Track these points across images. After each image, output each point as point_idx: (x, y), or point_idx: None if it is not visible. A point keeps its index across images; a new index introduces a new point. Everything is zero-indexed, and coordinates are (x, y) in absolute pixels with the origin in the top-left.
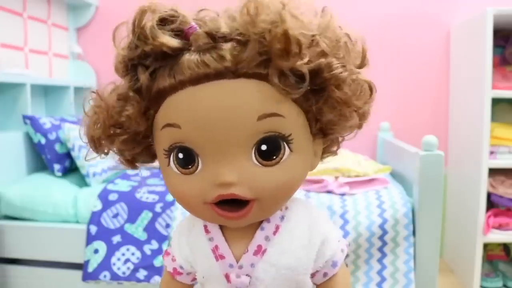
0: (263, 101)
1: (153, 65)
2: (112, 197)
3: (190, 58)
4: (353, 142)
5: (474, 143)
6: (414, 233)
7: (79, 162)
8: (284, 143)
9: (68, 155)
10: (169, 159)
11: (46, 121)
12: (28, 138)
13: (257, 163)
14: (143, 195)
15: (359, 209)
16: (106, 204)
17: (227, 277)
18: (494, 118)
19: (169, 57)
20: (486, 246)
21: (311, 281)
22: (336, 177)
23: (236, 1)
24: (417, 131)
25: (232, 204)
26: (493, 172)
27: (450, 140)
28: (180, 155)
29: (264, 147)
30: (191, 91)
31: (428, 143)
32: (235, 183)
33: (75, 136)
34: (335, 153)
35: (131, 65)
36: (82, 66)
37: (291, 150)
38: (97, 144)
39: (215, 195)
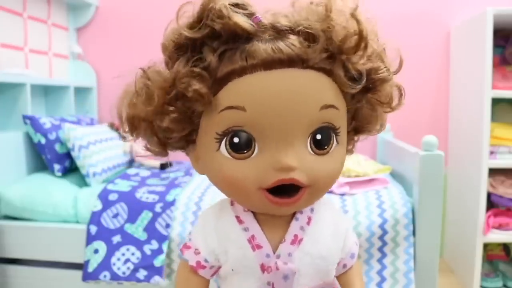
0: (325, 93)
1: (222, 47)
2: (112, 197)
3: (264, 44)
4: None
5: (474, 143)
6: (414, 233)
7: (79, 162)
8: (334, 135)
9: (68, 155)
10: (220, 143)
11: (46, 121)
12: (28, 138)
13: (311, 151)
14: (143, 195)
15: (359, 209)
16: (106, 204)
17: (262, 267)
18: (494, 118)
19: (238, 40)
20: (486, 246)
21: None
22: None
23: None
24: (417, 131)
25: (283, 191)
26: (493, 172)
27: (450, 140)
28: (236, 139)
29: (318, 137)
30: (261, 75)
31: (428, 143)
32: (296, 168)
33: (75, 136)
34: (351, 151)
35: (197, 45)
36: (82, 66)
37: (337, 142)
38: (136, 123)
39: (275, 180)
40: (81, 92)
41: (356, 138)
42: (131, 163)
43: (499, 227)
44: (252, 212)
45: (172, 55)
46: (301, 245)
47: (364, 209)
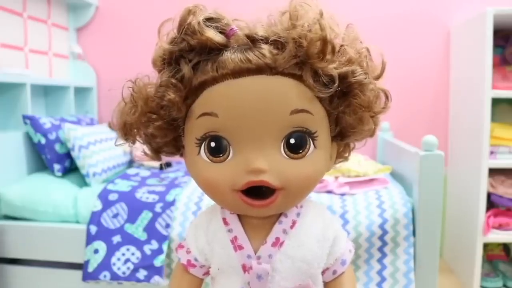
0: (296, 98)
1: (196, 59)
2: (112, 197)
3: (233, 54)
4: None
5: (474, 143)
6: (414, 233)
7: (79, 162)
8: (310, 139)
9: (68, 155)
10: (200, 148)
11: (46, 121)
12: (28, 138)
13: (285, 155)
14: (143, 195)
15: (359, 209)
16: (106, 204)
17: (244, 267)
18: (494, 118)
19: (211, 52)
20: (486, 246)
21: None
22: (336, 177)
23: (274, 10)
24: (417, 131)
25: (258, 193)
26: (493, 172)
27: (450, 140)
28: (212, 144)
29: (292, 141)
30: (231, 83)
31: (428, 143)
32: (266, 170)
33: (75, 136)
34: (346, 158)
35: (174, 57)
36: (82, 66)
37: (315, 147)
38: (128, 130)
39: (245, 181)
40: (81, 92)
41: (352, 145)
42: (131, 163)
43: (499, 227)
44: (239, 215)
45: (160, 68)
46: (283, 248)
47: (364, 209)
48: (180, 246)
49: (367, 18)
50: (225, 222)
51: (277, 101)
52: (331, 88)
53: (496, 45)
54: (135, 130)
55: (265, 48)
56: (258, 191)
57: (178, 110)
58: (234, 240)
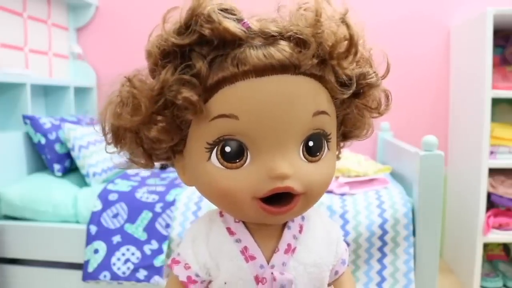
0: (318, 99)
1: (212, 53)
2: (112, 197)
3: (254, 49)
4: (353, 142)
5: (474, 143)
6: (414, 233)
7: (79, 162)
8: (325, 141)
9: (68, 155)
10: (211, 153)
11: (46, 121)
12: (28, 138)
13: (304, 159)
14: (143, 195)
15: (359, 209)
16: (106, 204)
17: (256, 278)
18: (494, 118)
19: (228, 47)
20: (486, 246)
21: None
22: (336, 177)
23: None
24: (417, 131)
25: (276, 199)
26: (493, 172)
27: (450, 140)
28: (227, 149)
29: (311, 143)
30: (253, 82)
31: (428, 143)
32: (291, 176)
33: (75, 136)
34: (338, 157)
35: (187, 51)
36: (82, 66)
37: (328, 149)
38: (121, 135)
39: (270, 188)
40: (81, 92)
41: (342, 144)
42: None
43: (499, 227)
44: (243, 222)
45: (158, 62)
46: (295, 254)
47: (364, 209)
48: (175, 261)
49: (366, 19)
50: (230, 231)
51: (301, 103)
52: (350, 89)
53: (496, 45)
54: (129, 134)
55: (286, 45)
56: (276, 197)
57: (199, 110)
58: (244, 251)
